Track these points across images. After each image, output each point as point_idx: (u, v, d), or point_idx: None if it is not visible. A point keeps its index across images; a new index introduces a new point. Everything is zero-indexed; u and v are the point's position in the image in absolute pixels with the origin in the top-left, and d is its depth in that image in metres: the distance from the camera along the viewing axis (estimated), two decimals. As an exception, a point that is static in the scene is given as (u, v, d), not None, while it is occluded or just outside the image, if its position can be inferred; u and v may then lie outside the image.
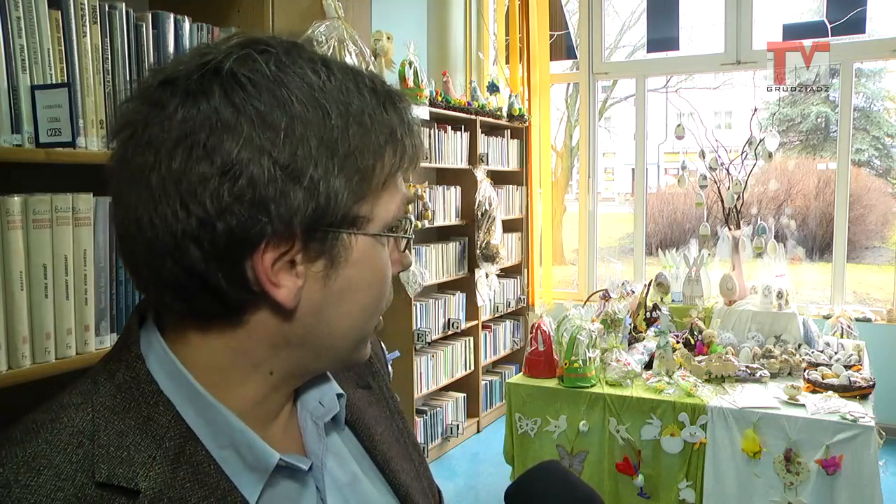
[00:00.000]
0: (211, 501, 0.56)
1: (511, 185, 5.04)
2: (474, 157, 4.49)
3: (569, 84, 7.63)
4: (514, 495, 0.80)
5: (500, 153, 4.89)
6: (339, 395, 0.69)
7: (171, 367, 0.59)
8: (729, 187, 3.96)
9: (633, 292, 3.79)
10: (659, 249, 4.42)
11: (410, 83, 3.84)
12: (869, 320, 4.48)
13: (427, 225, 4.06)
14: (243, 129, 0.52)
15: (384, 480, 0.72)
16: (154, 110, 0.54)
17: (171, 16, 1.61)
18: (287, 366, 0.61)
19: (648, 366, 3.24)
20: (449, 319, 4.34)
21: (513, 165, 5.09)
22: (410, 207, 3.85)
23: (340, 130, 0.55)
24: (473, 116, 4.45)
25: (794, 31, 4.89)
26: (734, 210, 3.94)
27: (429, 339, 4.08)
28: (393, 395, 0.82)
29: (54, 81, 1.37)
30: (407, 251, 0.66)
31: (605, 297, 3.59)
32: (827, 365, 3.11)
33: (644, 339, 3.46)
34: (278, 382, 0.62)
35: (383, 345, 2.88)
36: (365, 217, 0.58)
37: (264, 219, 0.53)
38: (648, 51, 5.56)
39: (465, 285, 4.52)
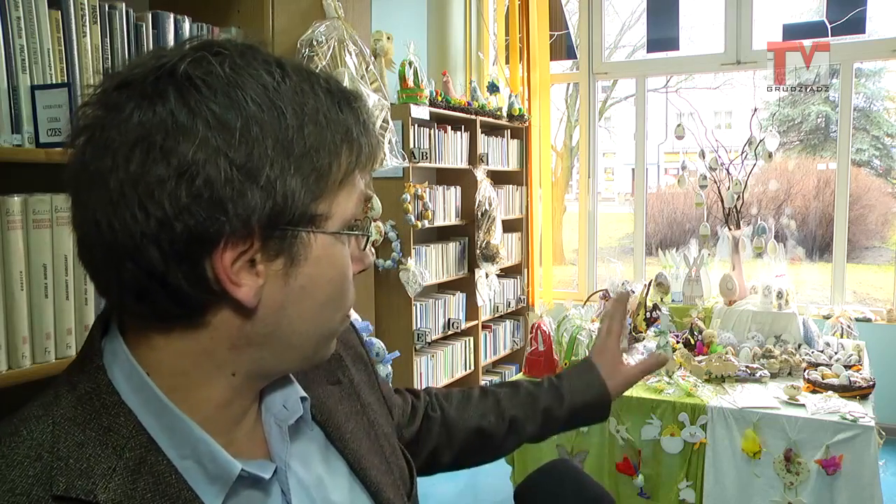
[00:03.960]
0: None
1: (511, 185, 5.03)
2: (474, 157, 4.49)
3: (569, 84, 7.63)
4: (525, 493, 0.79)
5: (500, 153, 4.89)
6: (302, 399, 0.68)
7: (133, 375, 0.58)
8: (729, 187, 3.96)
9: (633, 292, 3.79)
10: (659, 249, 4.42)
11: (410, 83, 3.84)
12: (869, 320, 4.48)
13: (427, 225, 4.06)
14: (199, 130, 0.53)
15: (356, 479, 0.72)
16: (111, 114, 0.55)
17: (171, 16, 1.61)
18: (249, 367, 0.61)
19: (648, 366, 3.23)
20: (449, 319, 4.34)
21: (513, 165, 5.09)
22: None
23: (296, 130, 0.56)
24: (473, 116, 4.45)
25: (794, 31, 4.89)
26: (734, 210, 3.94)
27: (429, 339, 4.08)
28: (358, 387, 0.80)
29: (54, 81, 1.37)
30: (367, 250, 0.67)
31: (605, 297, 3.59)
32: (827, 365, 3.11)
33: (644, 339, 3.46)
34: (241, 385, 0.62)
35: (383, 345, 2.88)
36: (323, 215, 0.59)
37: (222, 218, 0.53)
38: (648, 51, 5.56)
39: (465, 285, 4.52)
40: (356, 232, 0.64)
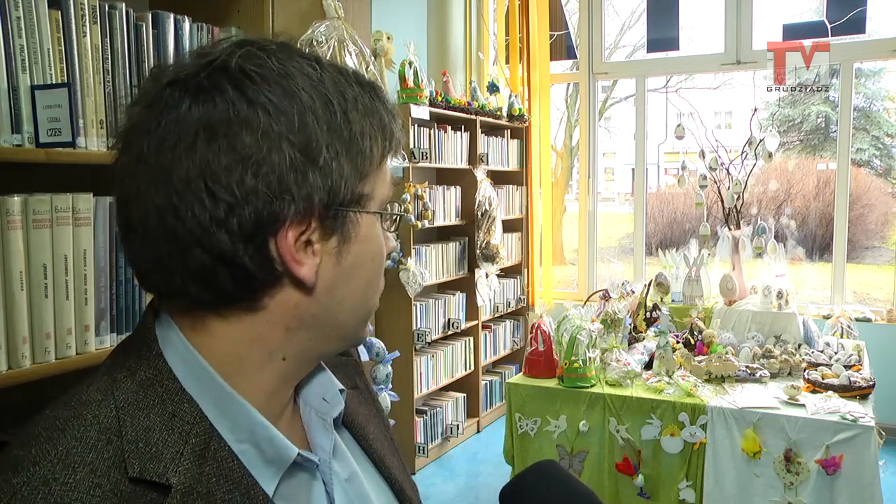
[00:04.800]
0: (235, 496, 0.58)
1: (511, 185, 5.03)
2: (474, 157, 4.49)
3: (569, 84, 7.63)
4: (511, 495, 0.79)
5: (500, 153, 4.89)
6: (341, 391, 0.71)
7: (191, 361, 0.60)
8: (729, 187, 3.96)
9: (633, 292, 3.79)
10: (659, 249, 4.42)
11: (410, 83, 3.84)
12: (869, 320, 4.48)
13: (427, 225, 4.06)
14: (259, 119, 0.56)
15: (381, 477, 0.75)
16: (166, 110, 0.57)
17: (171, 16, 1.61)
18: (298, 350, 0.63)
19: (648, 366, 3.24)
20: (449, 319, 4.34)
21: (513, 165, 5.09)
22: (409, 203, 3.85)
23: (342, 116, 0.59)
24: (473, 116, 4.45)
25: (794, 31, 4.89)
26: (734, 210, 3.94)
27: (429, 339, 4.08)
28: (373, 394, 0.85)
29: (54, 81, 1.36)
30: (393, 234, 0.71)
31: (605, 297, 3.59)
32: (827, 365, 3.11)
33: (644, 339, 3.46)
34: (288, 370, 0.64)
35: (383, 345, 2.88)
36: (368, 195, 0.63)
37: (288, 198, 0.56)
38: (648, 51, 5.56)
39: (465, 285, 4.51)
40: (395, 212, 0.68)
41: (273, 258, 0.58)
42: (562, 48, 5.87)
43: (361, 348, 2.54)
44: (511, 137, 5.04)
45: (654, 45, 5.46)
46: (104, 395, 0.58)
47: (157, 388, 0.58)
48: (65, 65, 1.39)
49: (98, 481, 0.52)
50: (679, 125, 4.19)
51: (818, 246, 7.62)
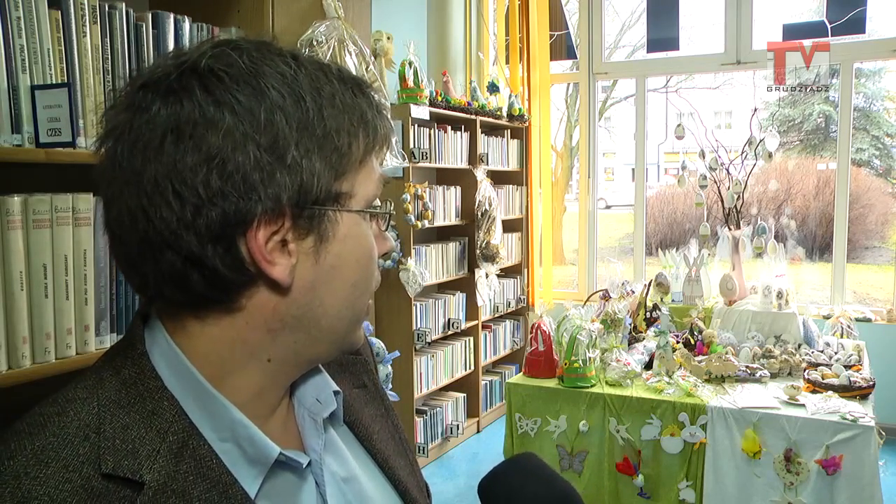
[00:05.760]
0: (213, 495, 0.57)
1: (511, 185, 5.03)
2: (474, 157, 4.49)
3: (569, 84, 7.64)
4: (489, 487, 0.78)
5: (500, 153, 4.89)
6: (335, 393, 0.70)
7: (175, 361, 0.60)
8: (729, 187, 3.96)
9: (633, 292, 3.79)
10: (659, 249, 4.42)
11: (410, 83, 3.84)
12: (869, 320, 4.48)
13: (427, 225, 4.06)
14: (226, 118, 0.55)
15: (385, 478, 0.74)
16: (138, 113, 0.57)
17: (171, 16, 1.61)
18: (284, 352, 0.63)
19: (648, 366, 3.24)
20: (449, 319, 4.34)
21: (513, 165, 5.09)
22: (409, 205, 3.86)
23: (315, 113, 0.59)
24: (473, 116, 4.45)
25: (794, 31, 4.89)
26: (734, 210, 3.94)
27: (429, 339, 4.08)
28: (382, 392, 0.84)
29: (54, 81, 1.36)
30: (387, 233, 0.69)
31: (605, 297, 3.59)
32: (827, 365, 3.11)
33: (644, 339, 3.46)
34: (275, 372, 0.63)
35: (383, 344, 2.88)
36: (347, 193, 0.61)
37: (255, 197, 0.56)
38: (648, 51, 5.56)
39: (465, 285, 4.51)
40: (379, 210, 0.66)
41: (243, 259, 0.57)
42: (562, 48, 5.87)
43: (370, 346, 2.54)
44: (511, 137, 5.04)
45: (654, 45, 5.46)
46: (89, 392, 0.59)
47: (139, 387, 0.59)
48: (65, 65, 1.39)
49: (69, 476, 0.53)
50: (679, 125, 4.19)
51: (818, 246, 7.62)
